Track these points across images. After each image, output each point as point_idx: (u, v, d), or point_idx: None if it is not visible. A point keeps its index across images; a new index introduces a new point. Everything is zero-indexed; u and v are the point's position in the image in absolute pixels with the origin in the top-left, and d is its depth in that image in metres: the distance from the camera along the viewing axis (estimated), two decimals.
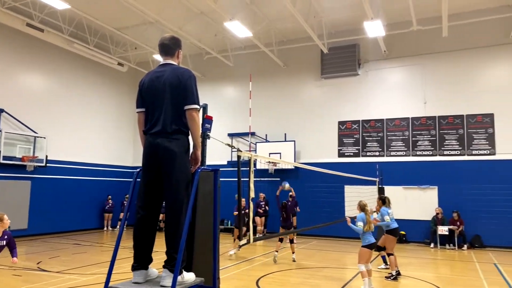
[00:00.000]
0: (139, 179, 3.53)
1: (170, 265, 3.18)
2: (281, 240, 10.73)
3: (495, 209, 13.68)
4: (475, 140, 14.46)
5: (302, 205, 14.44)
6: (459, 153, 14.62)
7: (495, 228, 13.60)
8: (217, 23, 15.39)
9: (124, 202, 18.12)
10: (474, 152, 14.41)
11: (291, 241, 10.69)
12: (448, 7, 12.44)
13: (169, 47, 3.60)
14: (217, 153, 15.82)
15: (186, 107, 3.38)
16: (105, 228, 17.77)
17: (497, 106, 14.20)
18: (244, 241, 4.91)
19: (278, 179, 16.78)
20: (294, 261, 10.35)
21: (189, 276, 3.30)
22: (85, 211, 17.40)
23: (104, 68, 18.39)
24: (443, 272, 10.05)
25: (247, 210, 10.65)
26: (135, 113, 3.72)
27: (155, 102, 3.43)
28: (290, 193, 11.52)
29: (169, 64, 3.56)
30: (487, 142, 14.26)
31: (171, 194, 3.28)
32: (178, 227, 3.22)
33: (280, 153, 16.26)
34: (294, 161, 15.61)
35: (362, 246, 7.44)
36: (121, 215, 17.95)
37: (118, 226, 18.01)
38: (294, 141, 16.68)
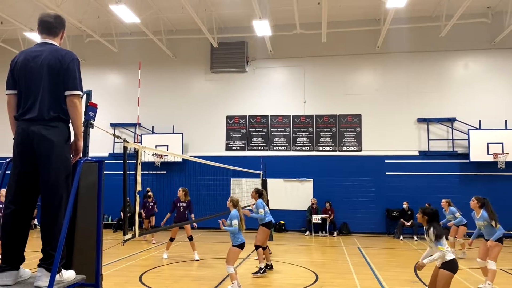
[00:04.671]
0: (8, 171, 3.14)
1: (47, 263, 2.90)
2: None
3: (360, 199, 15.52)
4: (345, 138, 16.15)
5: (190, 198, 14.34)
6: (332, 149, 16.16)
7: (359, 216, 15.44)
8: (101, 4, 14.37)
9: None
10: (344, 148, 16.08)
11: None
12: (327, 15, 13.60)
13: (53, 25, 3.24)
14: (98, 144, 14.75)
15: (67, 92, 3.10)
16: None
17: (364, 108, 16.07)
18: (129, 235, 4.72)
19: (165, 172, 16.45)
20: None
21: (68, 274, 3.06)
22: None
23: None
24: (316, 257, 11.04)
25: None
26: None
27: (30, 85, 3.08)
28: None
29: (49, 44, 3.21)
30: (355, 140, 16.05)
31: (48, 187, 2.99)
32: (56, 223, 2.96)
33: (167, 146, 15.94)
34: (182, 154, 15.46)
35: (234, 246, 7.05)
36: None
37: None
38: (182, 133, 16.52)
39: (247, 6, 14.06)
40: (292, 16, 14.46)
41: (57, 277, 2.87)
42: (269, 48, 16.25)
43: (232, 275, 6.83)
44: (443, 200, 10.91)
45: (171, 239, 10.09)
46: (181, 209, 10.09)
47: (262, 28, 13.88)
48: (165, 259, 9.89)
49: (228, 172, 12.91)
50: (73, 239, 3.38)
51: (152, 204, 13.44)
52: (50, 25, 3.24)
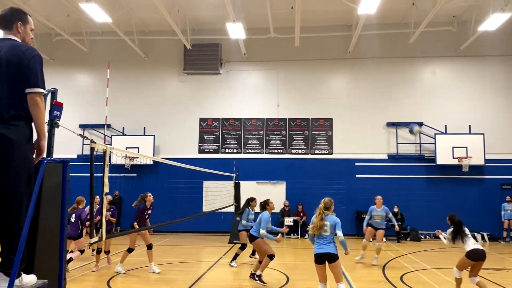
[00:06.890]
0: None
1: (5, 267, 2.80)
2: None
3: None
4: (317, 141, 16.36)
5: (161, 202, 14.03)
6: (304, 152, 16.34)
7: None
8: (70, 2, 14.01)
9: None
10: (316, 151, 16.29)
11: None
12: (300, 19, 13.77)
13: (6, 18, 3.14)
14: (66, 146, 14.32)
15: (28, 90, 2.99)
16: None
17: (335, 112, 16.34)
18: (95, 238, 4.60)
19: (135, 174, 16.16)
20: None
21: (29, 279, 2.95)
22: None
23: None
24: (288, 259, 11.09)
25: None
26: None
27: None
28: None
29: (8, 39, 3.10)
30: (327, 143, 16.28)
31: (8, 188, 2.88)
32: (16, 226, 2.85)
33: (138, 148, 15.67)
34: (153, 156, 15.22)
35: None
36: None
37: None
38: (154, 135, 16.29)
39: (221, 9, 14.03)
40: (266, 19, 14.55)
41: (17, 281, 2.77)
42: (243, 51, 16.28)
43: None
44: (378, 197, 10.30)
45: (130, 250, 8.85)
46: (147, 216, 9.02)
47: (236, 31, 13.91)
48: (123, 273, 8.63)
49: (201, 175, 12.83)
50: (35, 243, 3.26)
51: (110, 212, 9.84)
52: (4, 19, 3.15)
